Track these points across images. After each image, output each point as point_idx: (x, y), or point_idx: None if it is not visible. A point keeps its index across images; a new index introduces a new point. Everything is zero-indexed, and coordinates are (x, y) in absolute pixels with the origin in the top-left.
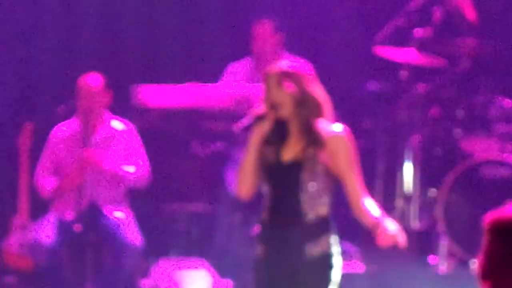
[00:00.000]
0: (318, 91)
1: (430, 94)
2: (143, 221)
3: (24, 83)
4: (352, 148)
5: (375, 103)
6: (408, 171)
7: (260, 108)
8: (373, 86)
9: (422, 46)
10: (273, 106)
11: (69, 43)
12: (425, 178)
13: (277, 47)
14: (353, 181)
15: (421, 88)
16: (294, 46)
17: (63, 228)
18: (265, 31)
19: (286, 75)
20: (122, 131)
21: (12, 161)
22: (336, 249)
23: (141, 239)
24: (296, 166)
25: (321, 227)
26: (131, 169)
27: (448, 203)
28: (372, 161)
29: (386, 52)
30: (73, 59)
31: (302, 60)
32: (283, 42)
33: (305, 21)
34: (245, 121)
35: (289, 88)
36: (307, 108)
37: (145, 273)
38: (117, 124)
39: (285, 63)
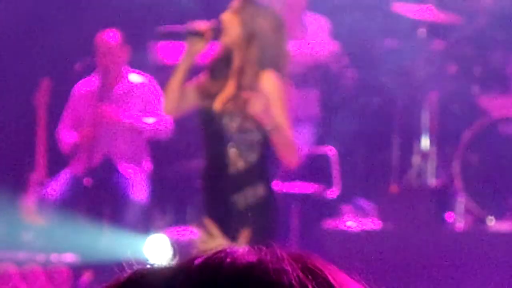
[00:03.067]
0: (278, 41)
1: (448, 51)
2: (161, 177)
3: (41, 39)
4: (283, 97)
5: (393, 60)
6: (425, 128)
7: (202, 25)
8: (390, 43)
9: (440, 3)
10: (217, 27)
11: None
12: (442, 135)
13: (304, 5)
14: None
15: (438, 45)
16: (313, 3)
17: (76, 183)
18: None
19: (248, 5)
20: (141, 84)
21: (30, 118)
22: (266, 197)
23: (147, 196)
24: (226, 115)
25: (254, 175)
26: (150, 120)
27: (466, 160)
28: (389, 118)
29: (404, 9)
30: (90, 15)
31: (320, 17)
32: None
33: None
34: (177, 28)
35: (244, 18)
36: (251, 47)
37: (159, 229)
38: (135, 77)
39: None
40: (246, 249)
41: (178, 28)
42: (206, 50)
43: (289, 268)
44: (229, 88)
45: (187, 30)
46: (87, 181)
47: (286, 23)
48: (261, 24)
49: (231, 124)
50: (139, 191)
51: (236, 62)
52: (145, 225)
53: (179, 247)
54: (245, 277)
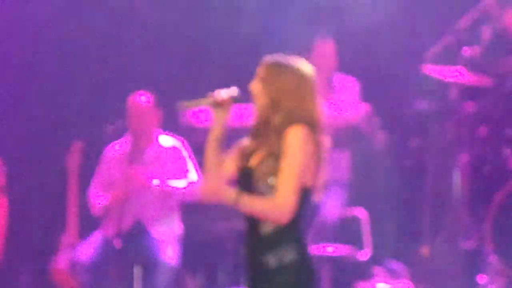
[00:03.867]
0: (307, 101)
1: (479, 113)
2: (192, 239)
3: (73, 102)
4: (299, 154)
5: (424, 122)
6: (456, 190)
7: (222, 93)
8: (421, 105)
9: (471, 65)
10: (237, 93)
11: (116, 61)
12: (474, 197)
13: (334, 65)
14: (280, 182)
15: (469, 107)
16: (343, 64)
17: (107, 245)
18: (327, 50)
19: (272, 69)
20: (172, 147)
21: (61, 180)
22: (297, 259)
23: (178, 259)
24: (255, 173)
25: (280, 238)
26: (181, 184)
27: (497, 221)
28: (420, 180)
29: (435, 71)
30: (121, 77)
31: (351, 78)
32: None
33: (355, 40)
34: (197, 101)
35: (268, 83)
36: (280, 111)
37: None
38: (166, 140)
39: (284, 59)
40: None
41: (198, 100)
42: (246, 114)
43: None
44: (264, 148)
45: (207, 101)
46: (117, 244)
47: (315, 80)
48: (285, 84)
49: (266, 184)
50: (170, 253)
51: (268, 125)
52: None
53: None
54: None
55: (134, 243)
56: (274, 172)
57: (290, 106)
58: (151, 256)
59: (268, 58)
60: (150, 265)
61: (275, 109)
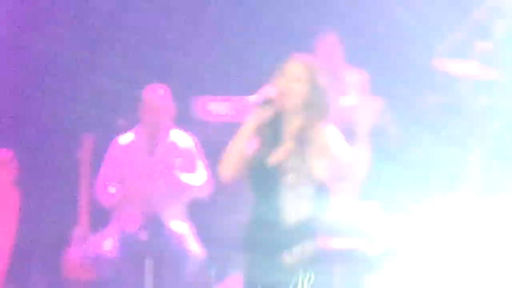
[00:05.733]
0: (322, 91)
1: (491, 107)
2: (204, 232)
3: (85, 95)
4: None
5: (436, 116)
6: (469, 184)
7: (270, 92)
8: (433, 99)
9: (484, 59)
10: (282, 94)
11: (129, 55)
12: (487, 191)
13: (340, 59)
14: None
15: (482, 101)
16: (353, 57)
17: (126, 239)
18: (330, 44)
19: (307, 69)
20: (185, 147)
21: (73, 174)
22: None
23: (203, 250)
24: (281, 170)
25: (303, 230)
26: (195, 180)
27: None
28: (432, 174)
29: (447, 65)
30: (133, 71)
31: (360, 71)
32: (344, 55)
33: (364, 33)
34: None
35: (304, 81)
36: (314, 108)
37: (208, 285)
38: (179, 138)
39: (310, 59)
40: None
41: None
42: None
43: None
44: (288, 144)
45: (258, 98)
46: (142, 236)
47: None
48: (320, 84)
49: (290, 179)
50: (195, 246)
51: (295, 122)
52: (192, 280)
53: None
54: None
55: (155, 237)
56: (298, 168)
57: (320, 105)
58: (179, 250)
59: (301, 58)
60: (179, 258)
61: (305, 108)
